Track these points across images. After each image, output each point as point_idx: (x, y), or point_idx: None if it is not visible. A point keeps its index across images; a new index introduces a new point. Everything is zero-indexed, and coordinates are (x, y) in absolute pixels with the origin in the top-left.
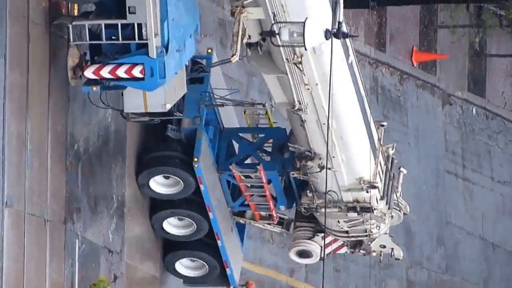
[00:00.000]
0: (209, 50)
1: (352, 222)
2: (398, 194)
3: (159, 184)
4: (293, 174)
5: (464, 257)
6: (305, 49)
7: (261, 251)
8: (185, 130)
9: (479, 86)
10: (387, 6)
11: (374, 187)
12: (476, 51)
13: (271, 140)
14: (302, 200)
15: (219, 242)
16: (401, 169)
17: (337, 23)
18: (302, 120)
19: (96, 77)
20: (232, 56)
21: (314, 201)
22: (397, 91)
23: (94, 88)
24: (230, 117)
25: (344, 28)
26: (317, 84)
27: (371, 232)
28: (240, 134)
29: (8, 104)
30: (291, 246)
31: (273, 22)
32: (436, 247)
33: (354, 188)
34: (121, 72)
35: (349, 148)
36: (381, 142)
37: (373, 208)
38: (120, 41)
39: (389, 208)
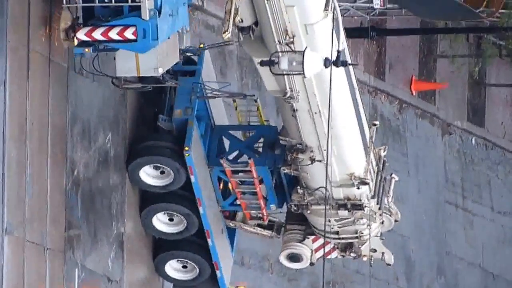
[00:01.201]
0: (201, 45)
1: (343, 222)
2: (390, 199)
3: (149, 175)
4: (284, 170)
5: (464, 287)
6: (304, 77)
7: (261, 280)
8: (176, 120)
9: (478, 116)
10: (386, 36)
11: (365, 183)
12: (475, 80)
13: (262, 140)
14: (293, 197)
15: (209, 241)
16: (393, 175)
17: (336, 52)
18: (294, 109)
19: (88, 39)
20: (224, 32)
21: (305, 198)
22: (397, 120)
23: (87, 50)
24: (221, 115)
25: (347, 56)
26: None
27: (362, 233)
28: (231, 132)
29: (7, 129)
30: (281, 250)
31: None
32: (436, 277)
33: (345, 184)
34: (113, 34)
35: (340, 140)
36: (373, 141)
37: (363, 206)
38: (113, 4)
39: (380, 208)
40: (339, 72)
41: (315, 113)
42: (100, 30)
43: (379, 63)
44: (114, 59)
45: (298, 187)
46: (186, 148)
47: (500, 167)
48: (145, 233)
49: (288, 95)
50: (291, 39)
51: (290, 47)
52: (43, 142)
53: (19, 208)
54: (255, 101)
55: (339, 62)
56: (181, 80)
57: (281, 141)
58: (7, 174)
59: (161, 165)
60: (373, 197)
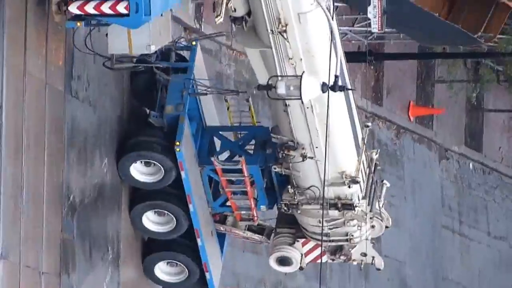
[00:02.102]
0: (194, 43)
1: (333, 223)
2: (381, 204)
3: (139, 172)
4: (275, 168)
5: None
6: (302, 102)
7: None
8: (168, 116)
9: (476, 141)
10: (384, 61)
11: (356, 182)
12: (473, 105)
13: (253, 142)
14: (283, 197)
15: (198, 241)
16: (384, 181)
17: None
18: (286, 104)
19: (80, 13)
20: (217, 17)
21: (296, 197)
22: (394, 145)
23: (79, 24)
24: (212, 117)
25: (347, 81)
26: (301, 59)
27: (352, 236)
28: (223, 133)
29: (4, 152)
30: (271, 253)
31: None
32: None
33: (336, 182)
34: (105, 7)
35: (332, 137)
36: (365, 142)
37: (354, 206)
38: None
39: (371, 211)
40: (331, 69)
41: (307, 108)
42: (93, 3)
43: (376, 88)
44: (107, 35)
45: (289, 186)
46: (177, 143)
47: (497, 192)
48: (140, 255)
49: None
50: (284, 28)
51: (283, 36)
52: (39, 165)
53: (15, 231)
54: (247, 100)
55: (336, 86)
56: (173, 77)
57: (272, 139)
58: (2, 197)
59: (151, 161)
60: (364, 198)
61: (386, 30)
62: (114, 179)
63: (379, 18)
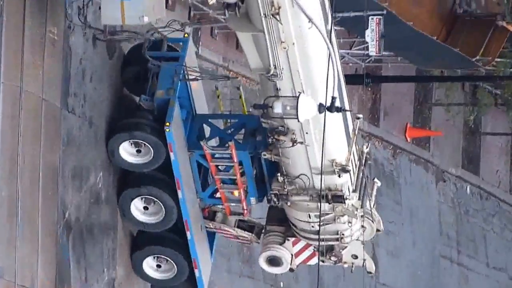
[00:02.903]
0: (186, 35)
1: (324, 218)
2: (372, 204)
3: (128, 154)
4: (264, 155)
5: None
6: (298, 121)
7: None
8: (158, 100)
9: (473, 164)
10: (381, 83)
11: (346, 170)
12: (470, 128)
13: (243, 132)
14: (273, 186)
15: (188, 234)
16: (375, 180)
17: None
18: (277, 88)
19: None
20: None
21: (285, 187)
22: (390, 165)
23: None
24: (202, 107)
25: (346, 104)
26: (293, 44)
27: (343, 235)
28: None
29: (0, 166)
30: (261, 252)
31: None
32: None
33: (326, 171)
34: None
35: (322, 124)
36: (356, 133)
37: (344, 198)
38: None
39: (361, 207)
40: (322, 54)
41: (299, 92)
42: None
43: (373, 110)
44: (100, 8)
45: (279, 174)
46: (167, 124)
47: (495, 220)
48: (137, 277)
49: (271, 72)
50: (277, 10)
51: (276, 18)
52: (34, 182)
53: (10, 251)
54: (238, 88)
55: (333, 108)
56: (164, 64)
57: (262, 124)
58: None
59: (140, 141)
60: (354, 191)
61: (383, 53)
62: (110, 195)
63: (377, 41)
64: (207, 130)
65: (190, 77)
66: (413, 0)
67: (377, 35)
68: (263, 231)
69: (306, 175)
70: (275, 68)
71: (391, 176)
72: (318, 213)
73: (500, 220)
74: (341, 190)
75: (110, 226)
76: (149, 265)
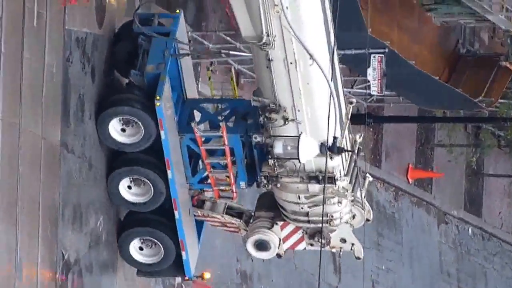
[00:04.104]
0: (178, 11)
1: (313, 199)
2: (363, 194)
3: (118, 133)
4: (255, 138)
5: None
6: (299, 162)
7: None
8: (149, 75)
9: (475, 206)
10: (383, 123)
11: (340, 150)
12: (473, 170)
13: (233, 119)
14: (263, 169)
15: (176, 214)
16: (367, 175)
17: (332, 138)
18: (269, 59)
19: None
20: None
21: (275, 170)
22: (392, 207)
23: None
24: (192, 91)
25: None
26: (287, 7)
27: (332, 217)
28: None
29: None
30: (248, 236)
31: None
32: None
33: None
34: None
35: (314, 101)
36: (349, 118)
37: (335, 179)
38: None
39: (353, 190)
40: (316, 20)
41: (291, 63)
42: None
43: (375, 151)
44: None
45: (269, 157)
46: (157, 97)
47: (496, 258)
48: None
49: (264, 40)
50: None
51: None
52: (33, 225)
53: None
54: (230, 70)
55: (335, 148)
56: (155, 40)
57: (253, 102)
58: None
59: (130, 118)
60: (346, 175)
61: (385, 92)
62: (110, 239)
63: (379, 80)
64: (197, 115)
65: (182, 52)
66: (415, 38)
67: (379, 74)
68: (251, 220)
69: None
70: (267, 36)
71: (393, 218)
72: (308, 195)
73: (501, 258)
74: (332, 172)
75: (109, 268)
76: (135, 248)
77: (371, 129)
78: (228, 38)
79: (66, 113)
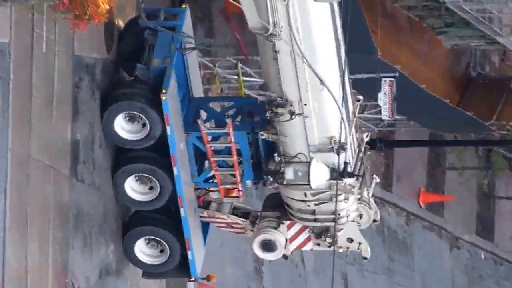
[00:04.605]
0: (184, 6)
1: (320, 196)
2: (370, 195)
3: (123, 129)
4: (262, 135)
5: None
6: (310, 187)
7: None
8: (154, 69)
9: (487, 230)
10: (394, 148)
11: (345, 148)
12: (484, 193)
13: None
14: (270, 165)
15: (181, 211)
16: (374, 176)
17: (343, 163)
18: (276, 50)
19: None
20: None
21: (282, 167)
22: (404, 232)
23: None
24: (198, 90)
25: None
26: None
27: (339, 215)
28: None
29: (8, 239)
30: (254, 236)
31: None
32: None
33: (324, 148)
34: None
35: (322, 94)
36: (356, 115)
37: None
38: None
39: (359, 189)
40: (322, 11)
41: (310, 158)
42: None
43: (387, 175)
44: None
45: (275, 154)
46: (163, 91)
47: (508, 283)
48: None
49: (270, 31)
50: None
51: None
52: (43, 254)
53: None
54: (236, 65)
55: (346, 173)
56: (161, 34)
57: (260, 97)
58: (7, 284)
59: (136, 113)
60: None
61: (396, 117)
62: (121, 267)
63: (390, 104)
64: (203, 114)
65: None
66: (425, 62)
67: (390, 98)
68: (257, 220)
69: (303, 154)
70: (274, 26)
71: (404, 243)
72: (314, 191)
73: None
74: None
75: None
76: (140, 249)
77: (382, 154)
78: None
79: (75, 142)
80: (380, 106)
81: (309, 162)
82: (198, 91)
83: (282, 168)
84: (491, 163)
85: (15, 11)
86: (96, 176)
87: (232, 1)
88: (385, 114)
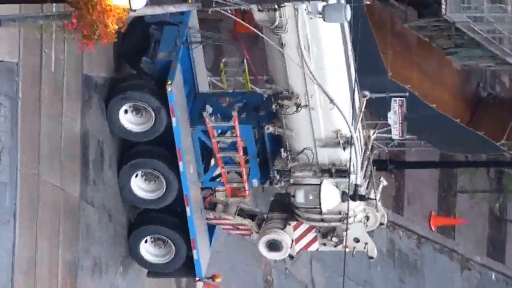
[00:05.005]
0: (189, 1)
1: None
2: (378, 197)
3: (128, 121)
4: (268, 129)
5: None
6: (321, 211)
7: None
8: (160, 62)
9: (498, 251)
10: (405, 169)
11: (351, 143)
12: (496, 216)
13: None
14: (276, 162)
15: (187, 210)
16: (381, 179)
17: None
18: (282, 43)
19: None
20: None
21: (288, 163)
22: (415, 255)
23: None
24: (204, 85)
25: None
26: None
27: (346, 215)
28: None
29: (16, 264)
30: (260, 236)
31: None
32: None
33: (331, 142)
34: None
35: (328, 87)
36: (362, 110)
37: (348, 173)
38: None
39: (367, 188)
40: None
41: (304, 48)
42: None
43: (397, 198)
44: None
45: (282, 150)
46: (169, 82)
47: None
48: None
49: (277, 22)
50: None
51: None
52: (52, 277)
53: None
54: (242, 61)
55: (356, 196)
56: (167, 28)
57: (266, 90)
58: None
59: (141, 104)
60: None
61: (407, 137)
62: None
63: (400, 124)
64: (209, 110)
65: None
66: (436, 82)
67: (400, 118)
68: (263, 222)
69: (310, 149)
70: (280, 17)
71: (415, 265)
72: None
73: None
74: (345, 165)
75: None
76: (146, 249)
77: (393, 176)
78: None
79: (85, 162)
80: (390, 126)
81: (320, 185)
82: (204, 86)
83: (289, 165)
84: (502, 185)
85: (24, 31)
86: (106, 198)
87: (241, 22)
88: (395, 134)
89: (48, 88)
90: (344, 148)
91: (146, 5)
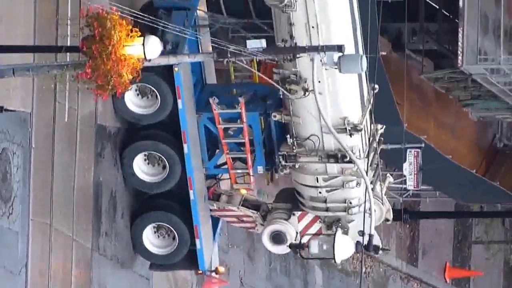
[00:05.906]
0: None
1: (331, 182)
2: (384, 191)
3: (134, 104)
4: (274, 116)
5: None
6: (335, 262)
7: None
8: (168, 44)
9: None
10: (419, 220)
11: (358, 130)
12: (510, 267)
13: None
14: (281, 148)
15: (191, 193)
16: (388, 174)
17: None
18: (291, 23)
19: None
20: None
21: (294, 148)
22: None
23: None
24: (212, 77)
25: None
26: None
27: (351, 203)
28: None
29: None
30: (265, 227)
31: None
32: None
33: (338, 128)
34: None
35: (335, 77)
36: (371, 102)
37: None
38: None
39: (373, 176)
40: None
41: (312, 27)
42: None
43: (412, 248)
44: None
45: (288, 136)
46: (176, 67)
47: None
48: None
49: (285, 1)
50: None
51: None
52: None
53: None
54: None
55: (371, 247)
56: (175, 13)
57: (274, 75)
58: None
59: (146, 85)
60: (365, 157)
61: (422, 187)
62: None
63: (415, 175)
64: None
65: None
66: (452, 133)
67: (415, 169)
68: (269, 211)
69: (316, 136)
70: None
71: None
72: (326, 176)
73: None
74: (352, 151)
75: None
76: (149, 239)
77: (407, 226)
78: None
79: (97, 212)
80: (405, 176)
81: (334, 235)
82: (211, 78)
83: (294, 150)
84: None
85: (38, 81)
86: (118, 249)
87: (259, 74)
88: (410, 184)
89: (61, 138)
90: (350, 135)
91: (160, 55)
